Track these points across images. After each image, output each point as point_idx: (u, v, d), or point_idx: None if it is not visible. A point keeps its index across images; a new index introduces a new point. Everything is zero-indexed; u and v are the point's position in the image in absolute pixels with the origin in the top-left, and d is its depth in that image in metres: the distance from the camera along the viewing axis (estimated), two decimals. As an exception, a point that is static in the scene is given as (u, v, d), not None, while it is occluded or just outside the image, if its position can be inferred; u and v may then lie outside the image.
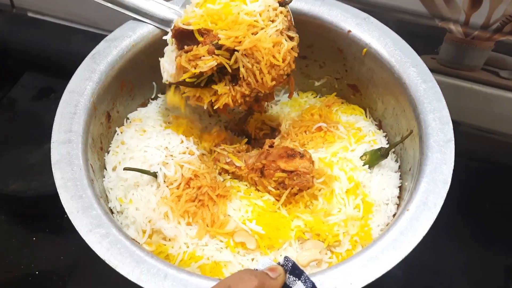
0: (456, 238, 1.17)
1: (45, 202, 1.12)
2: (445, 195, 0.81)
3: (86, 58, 0.93)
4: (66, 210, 0.78)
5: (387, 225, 0.90)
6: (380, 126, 1.06)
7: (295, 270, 0.71)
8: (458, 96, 1.26)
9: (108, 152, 0.97)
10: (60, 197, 0.79)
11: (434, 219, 0.79)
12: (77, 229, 0.77)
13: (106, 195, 0.92)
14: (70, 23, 1.43)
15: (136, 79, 1.01)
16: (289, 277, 0.70)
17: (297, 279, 0.70)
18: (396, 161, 1.00)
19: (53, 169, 0.81)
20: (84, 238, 0.76)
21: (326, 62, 1.08)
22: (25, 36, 1.37)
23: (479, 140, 1.35)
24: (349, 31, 0.98)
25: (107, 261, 0.74)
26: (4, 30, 1.37)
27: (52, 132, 0.85)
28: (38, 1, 1.42)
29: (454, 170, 0.83)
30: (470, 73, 1.22)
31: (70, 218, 0.77)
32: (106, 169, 0.95)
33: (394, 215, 0.92)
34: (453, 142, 0.85)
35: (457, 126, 1.33)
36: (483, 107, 1.29)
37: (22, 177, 1.16)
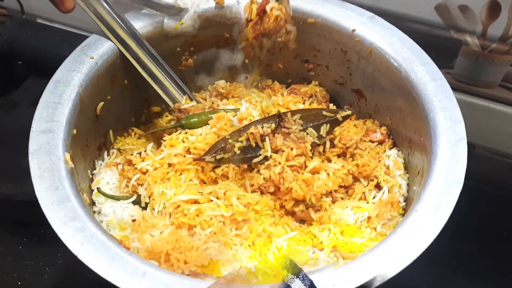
0: (468, 268, 1.08)
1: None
2: (457, 195, 0.74)
3: (76, 49, 0.90)
4: (40, 202, 0.73)
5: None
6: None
7: (293, 268, 0.68)
8: (474, 115, 1.20)
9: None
10: (35, 188, 0.74)
11: (446, 222, 0.72)
12: (49, 221, 0.71)
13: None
14: (78, 30, 1.43)
15: (130, 77, 0.96)
16: (287, 275, 0.67)
17: (295, 277, 0.67)
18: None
19: (29, 159, 0.76)
20: (56, 231, 0.70)
21: (329, 66, 1.03)
22: (33, 41, 1.36)
23: (496, 164, 1.28)
24: (353, 30, 0.94)
25: (79, 257, 0.68)
26: (13, 35, 1.37)
27: (33, 121, 0.80)
28: (48, 7, 1.41)
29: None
30: (487, 90, 1.17)
31: (44, 210, 0.72)
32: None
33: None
34: (466, 141, 0.79)
35: (472, 149, 1.26)
36: (501, 128, 1.22)
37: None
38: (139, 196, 0.88)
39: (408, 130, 0.92)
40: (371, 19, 0.95)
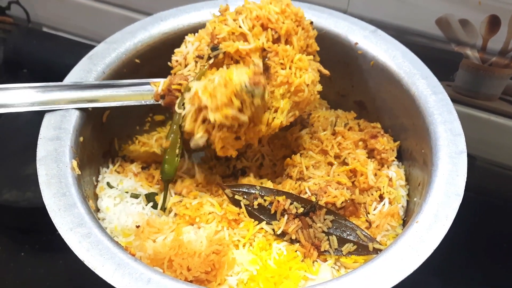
0: (467, 279, 1.08)
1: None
2: (457, 207, 0.75)
3: (83, 58, 0.91)
4: (47, 208, 0.74)
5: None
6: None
7: None
8: (474, 127, 1.20)
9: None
10: (42, 194, 0.75)
11: (446, 233, 0.73)
12: (57, 227, 0.72)
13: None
14: (83, 39, 1.45)
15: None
16: None
17: None
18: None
19: (37, 166, 0.77)
20: (63, 236, 0.71)
21: (332, 78, 1.04)
22: (39, 50, 1.38)
23: (496, 176, 1.28)
24: (356, 43, 0.95)
25: (86, 262, 0.69)
26: (19, 44, 1.39)
27: (41, 128, 0.81)
28: (54, 16, 1.46)
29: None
30: (487, 102, 1.17)
31: (51, 215, 0.73)
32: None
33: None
34: (466, 153, 0.81)
35: (473, 161, 1.26)
36: (501, 141, 1.22)
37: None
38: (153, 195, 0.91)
39: (409, 142, 0.94)
40: (374, 32, 0.96)
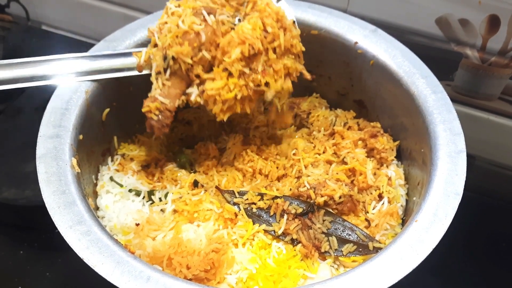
0: (465, 279, 1.08)
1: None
2: (456, 206, 0.75)
3: (83, 56, 0.90)
4: (47, 205, 0.74)
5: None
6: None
7: None
8: (474, 127, 1.21)
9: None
10: (42, 192, 0.75)
11: (445, 232, 0.73)
12: (56, 225, 0.72)
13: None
14: (83, 37, 1.46)
15: (135, 84, 0.97)
16: None
17: None
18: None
19: (37, 163, 0.77)
20: (62, 234, 0.71)
21: (331, 77, 1.05)
22: (38, 48, 1.39)
23: (495, 176, 1.29)
24: (356, 42, 0.95)
25: (85, 260, 0.69)
26: (18, 41, 1.40)
27: (40, 126, 0.81)
28: (53, 14, 1.47)
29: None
30: (487, 102, 1.17)
31: (50, 213, 0.73)
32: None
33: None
34: (465, 153, 0.81)
35: (472, 161, 1.27)
36: (500, 140, 1.22)
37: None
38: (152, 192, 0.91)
39: (408, 142, 0.94)
40: (374, 32, 0.96)
